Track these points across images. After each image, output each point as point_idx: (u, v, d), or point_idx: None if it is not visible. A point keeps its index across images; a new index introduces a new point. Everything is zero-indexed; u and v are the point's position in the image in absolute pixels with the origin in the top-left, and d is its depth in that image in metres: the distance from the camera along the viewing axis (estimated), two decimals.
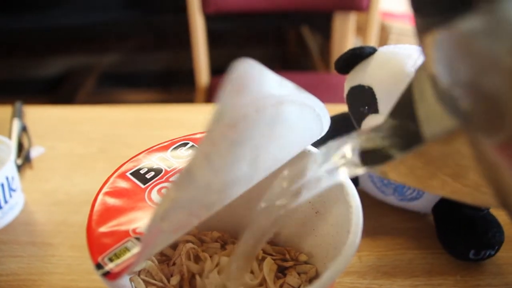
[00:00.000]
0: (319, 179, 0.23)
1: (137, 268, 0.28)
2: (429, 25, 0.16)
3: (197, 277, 0.29)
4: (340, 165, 0.22)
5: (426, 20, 0.16)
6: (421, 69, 0.20)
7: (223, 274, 0.28)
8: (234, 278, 0.26)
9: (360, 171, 0.22)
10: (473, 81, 0.14)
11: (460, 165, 0.18)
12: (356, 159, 0.22)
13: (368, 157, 0.22)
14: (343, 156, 0.22)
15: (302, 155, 0.29)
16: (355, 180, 0.41)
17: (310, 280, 0.29)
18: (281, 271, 0.30)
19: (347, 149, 0.22)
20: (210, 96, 1.14)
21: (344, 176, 0.23)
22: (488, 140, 0.14)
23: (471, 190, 0.19)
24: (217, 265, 0.30)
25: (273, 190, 0.24)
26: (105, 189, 0.28)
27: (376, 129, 0.22)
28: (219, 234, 0.33)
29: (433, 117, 0.18)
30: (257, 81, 0.22)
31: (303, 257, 0.31)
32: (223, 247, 0.32)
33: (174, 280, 0.28)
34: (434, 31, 0.15)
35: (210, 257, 0.30)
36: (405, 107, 0.20)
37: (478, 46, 0.13)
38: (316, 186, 0.23)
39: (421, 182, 0.21)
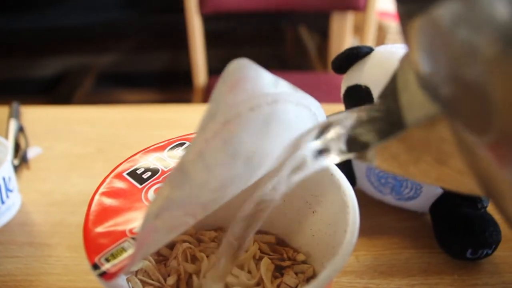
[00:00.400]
0: (304, 162, 0.23)
1: (134, 268, 0.28)
2: (410, 12, 0.16)
3: (194, 277, 0.29)
4: (324, 150, 0.22)
5: (407, 7, 0.16)
6: (405, 59, 0.20)
7: (210, 271, 0.28)
8: (220, 274, 0.26)
9: (345, 157, 0.22)
10: (454, 70, 0.14)
11: (442, 151, 0.18)
12: (342, 145, 0.22)
13: (353, 143, 0.22)
14: (327, 141, 0.22)
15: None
16: (352, 180, 0.41)
17: (308, 280, 0.29)
18: (279, 271, 0.30)
19: (331, 134, 0.22)
20: (207, 96, 1.14)
21: (328, 161, 0.23)
22: (477, 140, 0.14)
23: (454, 177, 0.19)
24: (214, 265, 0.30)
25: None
26: (101, 190, 0.28)
27: (360, 116, 0.22)
28: (216, 234, 0.33)
29: (415, 104, 0.18)
30: (252, 80, 0.22)
31: (300, 257, 0.31)
32: (218, 246, 0.32)
33: (171, 280, 0.28)
34: (415, 18, 0.15)
35: (207, 257, 0.30)
36: (389, 96, 0.20)
37: (457, 34, 0.13)
38: (300, 169, 0.23)
39: (405, 169, 0.21)
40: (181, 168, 0.20)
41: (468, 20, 0.13)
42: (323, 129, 0.22)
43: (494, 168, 0.14)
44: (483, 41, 0.12)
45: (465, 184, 0.19)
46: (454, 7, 0.13)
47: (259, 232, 0.33)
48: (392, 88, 0.20)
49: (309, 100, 0.26)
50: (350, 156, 0.22)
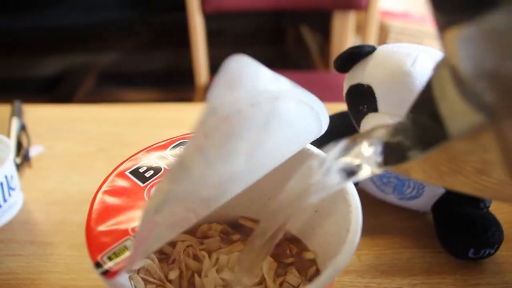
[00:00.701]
0: (332, 179, 0.23)
1: (137, 267, 0.28)
2: (451, 22, 0.16)
3: (196, 276, 0.29)
4: (357, 165, 0.22)
5: (448, 17, 0.16)
6: (441, 67, 0.19)
7: (238, 268, 0.28)
8: (248, 272, 0.26)
9: (379, 170, 0.22)
10: (501, 72, 0.14)
11: (484, 161, 0.18)
12: (377, 158, 0.22)
13: (389, 156, 0.22)
14: (360, 155, 0.22)
15: (302, 154, 0.29)
16: None
17: (310, 278, 0.29)
18: (282, 268, 0.30)
19: (365, 148, 0.22)
20: None
21: (364, 175, 0.22)
22: None
23: (495, 186, 0.19)
24: (215, 264, 0.30)
25: (290, 189, 0.24)
26: (104, 188, 0.28)
27: (395, 127, 0.22)
28: (221, 227, 0.33)
29: (457, 114, 0.18)
30: (251, 76, 0.22)
31: (309, 255, 0.31)
32: (223, 240, 0.32)
33: (173, 275, 0.28)
34: (456, 27, 0.15)
35: (209, 256, 0.30)
36: (425, 105, 0.20)
37: (507, 39, 0.14)
38: (330, 186, 0.23)
39: (443, 180, 0.21)
40: (180, 162, 0.20)
41: None
42: (350, 145, 0.22)
43: None
44: None
45: (506, 193, 0.19)
46: (504, 16, 0.14)
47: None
48: (427, 98, 0.20)
49: (311, 98, 0.26)
50: (385, 168, 0.22)
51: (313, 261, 0.31)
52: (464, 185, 0.20)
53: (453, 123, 0.18)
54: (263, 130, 0.23)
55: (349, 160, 0.22)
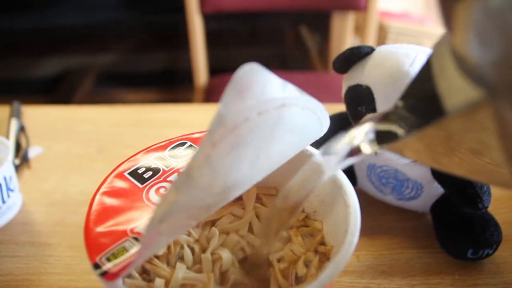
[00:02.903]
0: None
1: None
2: None
3: (185, 247, 0.28)
4: (355, 146, 0.22)
5: None
6: (441, 44, 0.19)
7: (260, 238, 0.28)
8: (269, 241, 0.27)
9: (375, 150, 0.22)
10: (508, 54, 0.14)
11: (481, 141, 0.17)
12: (371, 138, 0.22)
13: (382, 135, 0.21)
14: (354, 138, 0.22)
15: (301, 155, 0.30)
16: (353, 180, 0.41)
17: (315, 249, 0.29)
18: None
19: (359, 132, 0.22)
20: (208, 95, 1.14)
21: (366, 151, 0.22)
22: None
23: (490, 169, 0.19)
24: (208, 240, 0.29)
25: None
26: (102, 189, 0.28)
27: (390, 110, 0.21)
28: None
29: (456, 90, 0.17)
30: (260, 85, 0.22)
31: (318, 225, 0.30)
32: None
33: (161, 250, 0.28)
34: (463, 1, 0.15)
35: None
36: (422, 84, 0.20)
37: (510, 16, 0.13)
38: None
39: (437, 160, 0.21)
40: (187, 173, 0.21)
41: None
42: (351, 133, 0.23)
43: None
44: None
45: (499, 176, 0.19)
46: None
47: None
48: (425, 75, 0.19)
49: (315, 104, 0.26)
50: (380, 148, 0.22)
51: (319, 230, 0.30)
52: (458, 167, 0.20)
53: (451, 100, 0.18)
54: (268, 137, 0.24)
55: (347, 142, 0.23)
